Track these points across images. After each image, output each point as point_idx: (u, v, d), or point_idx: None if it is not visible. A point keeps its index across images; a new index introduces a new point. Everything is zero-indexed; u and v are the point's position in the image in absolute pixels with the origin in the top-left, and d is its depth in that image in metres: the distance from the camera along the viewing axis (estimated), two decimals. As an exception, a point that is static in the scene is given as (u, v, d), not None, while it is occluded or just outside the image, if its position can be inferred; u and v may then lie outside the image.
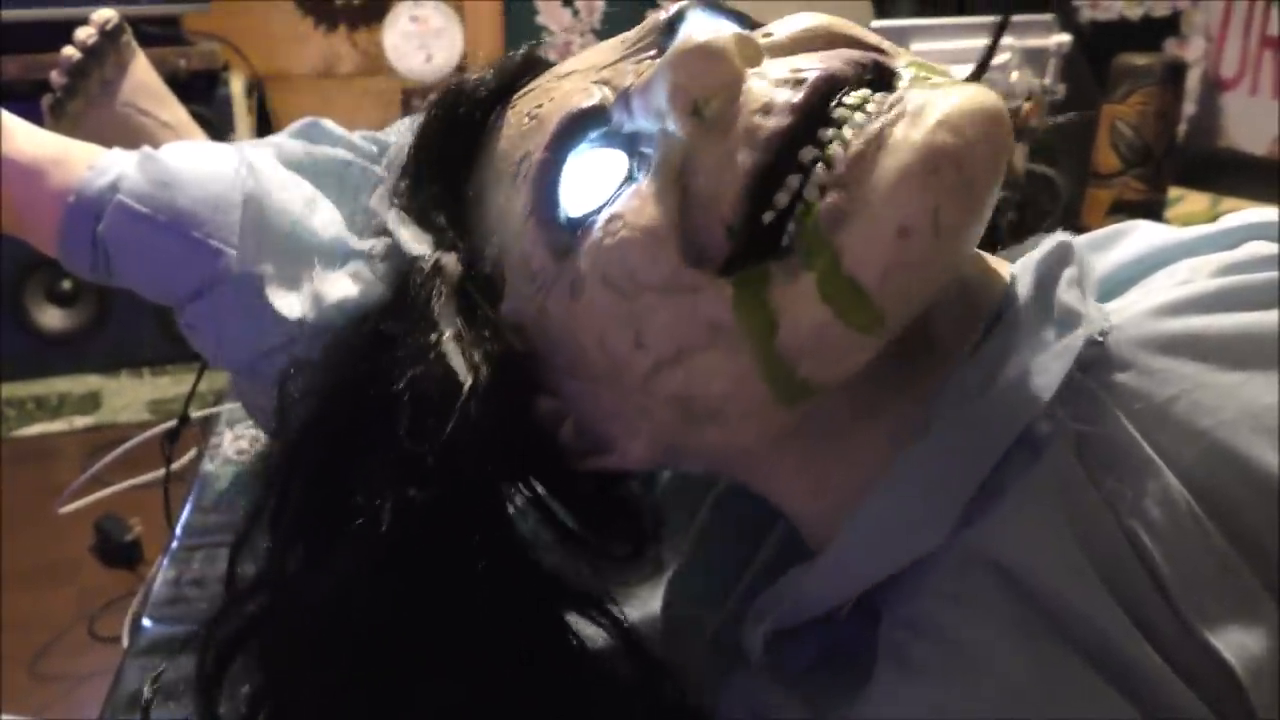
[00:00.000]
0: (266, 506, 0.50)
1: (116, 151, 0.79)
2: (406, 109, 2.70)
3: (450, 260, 0.48)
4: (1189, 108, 2.22)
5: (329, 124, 0.93)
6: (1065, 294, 0.43)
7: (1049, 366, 0.41)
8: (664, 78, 0.43)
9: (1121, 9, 2.20)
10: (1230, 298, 0.42)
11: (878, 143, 0.39)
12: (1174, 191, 1.38)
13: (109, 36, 1.03)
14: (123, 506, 1.48)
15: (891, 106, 0.40)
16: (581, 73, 0.49)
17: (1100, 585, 0.38)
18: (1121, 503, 0.39)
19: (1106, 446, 0.40)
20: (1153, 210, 1.27)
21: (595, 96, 0.47)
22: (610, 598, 0.54)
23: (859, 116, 0.40)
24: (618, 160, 0.45)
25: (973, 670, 0.39)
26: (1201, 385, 0.40)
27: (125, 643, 1.00)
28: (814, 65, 0.42)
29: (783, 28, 0.45)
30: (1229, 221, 0.48)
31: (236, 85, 2.41)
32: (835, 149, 0.40)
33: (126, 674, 0.79)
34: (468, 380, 0.45)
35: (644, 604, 0.58)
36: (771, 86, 0.42)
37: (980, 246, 0.45)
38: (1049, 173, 0.52)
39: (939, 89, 0.40)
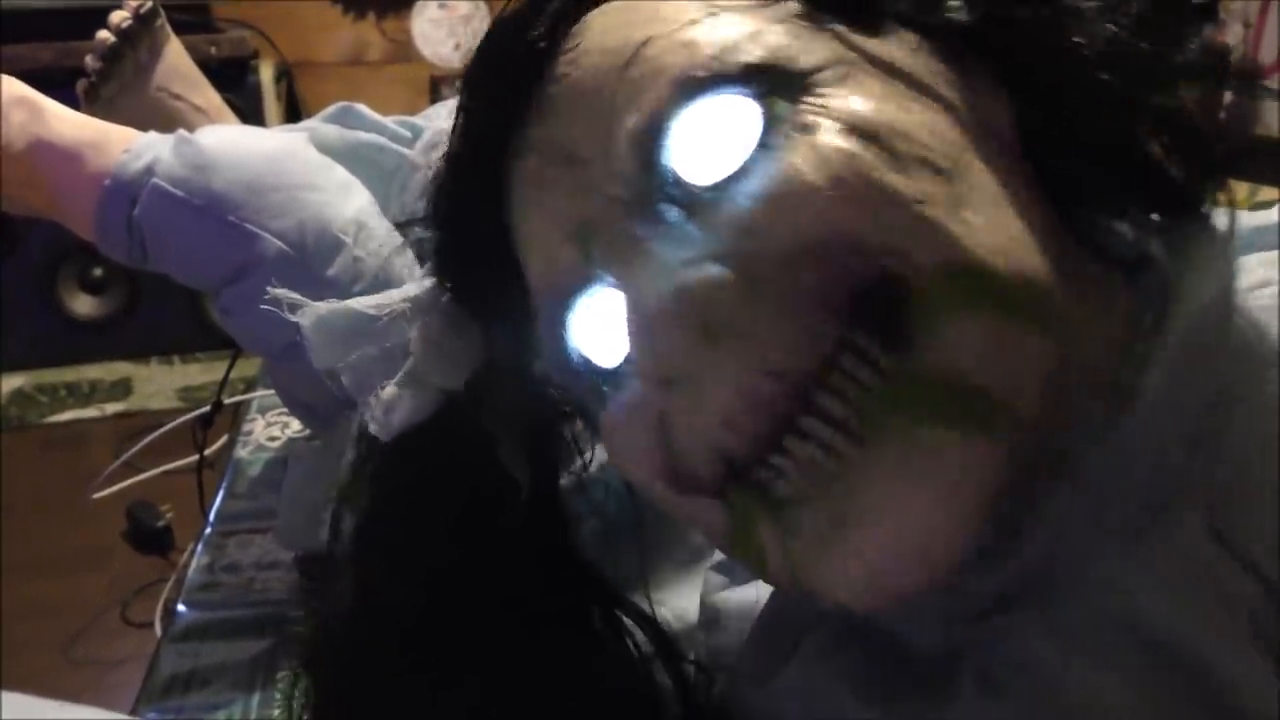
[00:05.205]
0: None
1: (152, 135, 0.79)
2: (435, 96, 2.70)
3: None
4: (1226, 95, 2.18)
5: (363, 109, 0.93)
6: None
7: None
8: (633, 339, 0.37)
9: (1158, -7, 2.16)
10: None
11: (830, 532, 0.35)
12: (1212, 179, 1.35)
13: (143, 20, 1.03)
14: (154, 493, 1.49)
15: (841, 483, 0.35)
16: None
17: (1229, 631, 0.35)
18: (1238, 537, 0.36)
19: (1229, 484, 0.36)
20: (1193, 199, 1.24)
21: None
22: (645, 591, 0.53)
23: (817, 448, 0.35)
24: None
25: (1067, 701, 0.37)
26: None
27: (158, 628, 1.00)
28: (780, 375, 0.35)
29: (781, 229, 0.35)
30: None
31: (266, 73, 2.41)
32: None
33: (162, 659, 0.80)
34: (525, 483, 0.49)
35: (681, 593, 0.58)
36: (734, 394, 0.35)
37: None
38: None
39: (892, 481, 0.34)
